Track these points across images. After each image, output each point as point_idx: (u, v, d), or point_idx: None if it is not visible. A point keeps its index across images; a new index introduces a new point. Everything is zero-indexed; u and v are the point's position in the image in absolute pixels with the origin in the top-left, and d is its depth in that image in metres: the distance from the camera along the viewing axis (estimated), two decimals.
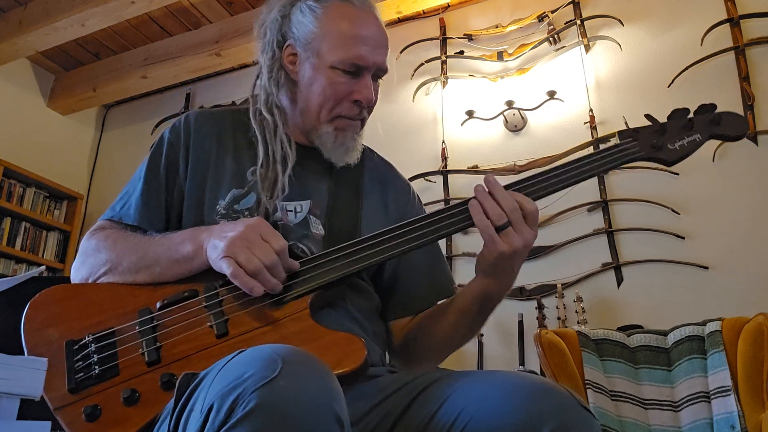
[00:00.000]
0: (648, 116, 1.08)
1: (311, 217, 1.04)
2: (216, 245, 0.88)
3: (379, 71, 1.08)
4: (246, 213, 1.00)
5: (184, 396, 0.69)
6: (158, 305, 0.90)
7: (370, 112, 1.11)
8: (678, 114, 1.06)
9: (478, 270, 0.97)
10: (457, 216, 0.94)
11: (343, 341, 0.84)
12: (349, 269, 0.92)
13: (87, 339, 0.87)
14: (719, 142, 2.72)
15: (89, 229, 1.07)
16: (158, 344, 0.86)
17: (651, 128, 1.06)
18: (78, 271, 1.00)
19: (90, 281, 0.97)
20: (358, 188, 1.12)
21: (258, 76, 1.14)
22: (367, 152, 1.20)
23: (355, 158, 1.11)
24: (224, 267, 0.86)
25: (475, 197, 0.93)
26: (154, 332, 0.87)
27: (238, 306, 0.88)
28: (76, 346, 0.86)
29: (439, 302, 1.11)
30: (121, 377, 0.83)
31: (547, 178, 0.98)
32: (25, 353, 0.86)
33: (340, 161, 1.09)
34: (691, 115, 1.05)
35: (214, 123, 1.12)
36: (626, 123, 1.09)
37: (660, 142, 1.03)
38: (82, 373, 0.83)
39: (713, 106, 1.06)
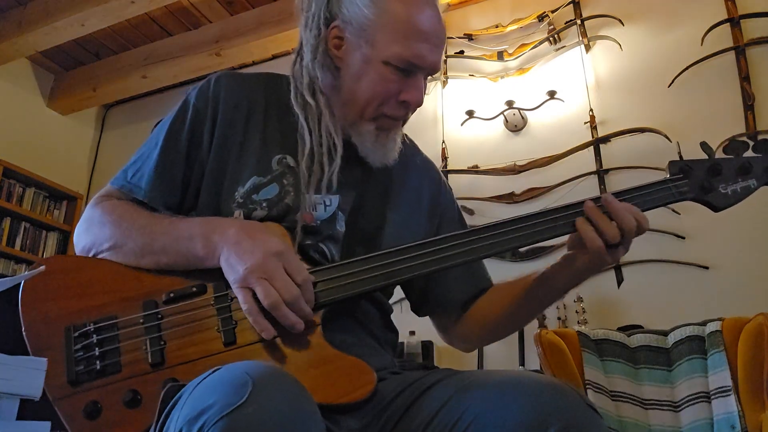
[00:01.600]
0: (704, 145, 0.98)
1: (339, 213, 0.96)
2: (232, 265, 0.81)
3: (433, 71, 0.98)
4: (264, 205, 0.92)
5: (166, 411, 0.68)
6: (164, 297, 0.85)
7: (413, 112, 1.01)
8: (735, 147, 0.97)
9: (563, 266, 0.96)
10: (511, 233, 0.91)
11: (353, 370, 0.80)
12: (370, 286, 0.86)
13: (89, 327, 0.82)
14: (719, 141, 2.72)
15: (97, 192, 1.00)
16: (163, 344, 0.82)
17: (705, 164, 0.97)
18: (80, 238, 0.94)
19: (92, 254, 0.91)
20: (387, 188, 1.03)
21: (298, 54, 1.01)
22: (408, 149, 1.11)
23: (392, 159, 1.01)
24: (240, 298, 0.81)
25: (585, 214, 0.89)
26: (159, 330, 0.83)
27: None
28: (77, 334, 0.82)
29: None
30: (122, 374, 0.80)
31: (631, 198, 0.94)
32: (22, 327, 0.82)
33: (378, 162, 1.00)
34: (749, 152, 0.97)
35: (246, 92, 1.00)
36: (680, 154, 0.99)
37: (712, 183, 0.95)
38: (82, 366, 0.80)
39: None
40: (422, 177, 1.12)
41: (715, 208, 0.97)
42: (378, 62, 0.93)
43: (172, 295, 0.85)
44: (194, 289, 0.86)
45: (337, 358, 0.81)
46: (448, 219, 1.13)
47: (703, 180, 0.95)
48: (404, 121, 1.02)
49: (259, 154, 0.96)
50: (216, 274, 0.85)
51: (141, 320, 0.83)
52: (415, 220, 1.05)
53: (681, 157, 0.98)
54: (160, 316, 0.84)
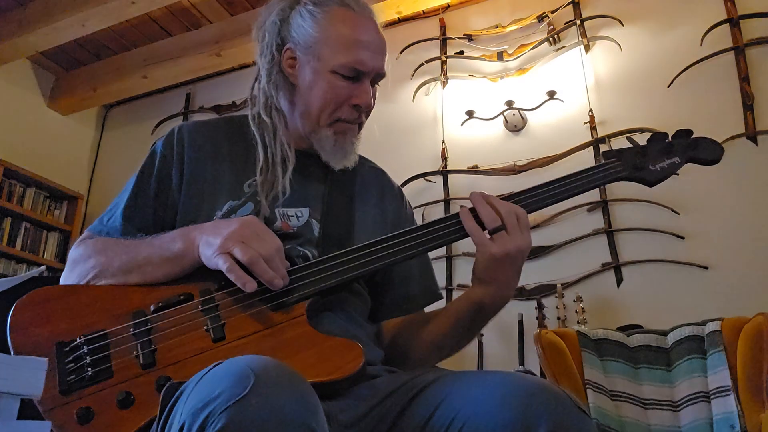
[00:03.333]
0: (629, 138, 1.14)
1: (313, 221, 1.04)
2: (210, 242, 0.88)
3: (378, 76, 1.09)
4: None
5: (168, 407, 0.69)
6: (152, 308, 0.88)
7: (367, 116, 1.12)
8: (658, 137, 1.12)
9: (473, 278, 0.97)
10: (453, 226, 0.96)
11: (341, 347, 0.84)
12: (348, 275, 0.92)
13: (79, 340, 0.84)
14: (719, 141, 2.71)
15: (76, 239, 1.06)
16: (153, 347, 0.84)
17: (633, 149, 1.10)
18: (66, 280, 0.99)
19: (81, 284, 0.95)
20: (351, 193, 1.12)
21: (256, 79, 1.14)
22: (362, 158, 1.21)
23: (353, 162, 1.12)
24: (220, 263, 0.85)
25: (467, 206, 0.95)
26: (149, 335, 0.85)
27: (234, 310, 0.87)
28: (67, 348, 0.84)
29: (427, 306, 1.13)
30: (114, 379, 0.81)
31: (537, 194, 1.01)
32: (11, 352, 0.83)
33: (338, 164, 1.09)
34: (669, 139, 1.12)
35: (208, 134, 1.11)
36: (631, 141, 1.13)
37: (642, 163, 1.08)
38: (73, 375, 0.81)
39: (689, 132, 1.13)
40: (385, 192, 1.20)
41: (649, 183, 1.08)
42: (326, 72, 1.05)
43: (160, 304, 0.89)
44: (181, 297, 0.89)
45: (324, 339, 0.85)
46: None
47: (635, 161, 1.08)
48: (360, 126, 1.12)
49: (231, 182, 1.05)
50: (201, 282, 0.90)
51: (131, 329, 0.86)
52: (380, 225, 1.12)
53: (633, 141, 1.12)
54: (149, 323, 0.87)
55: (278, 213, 1.02)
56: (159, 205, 1.04)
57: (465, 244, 3.10)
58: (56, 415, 0.78)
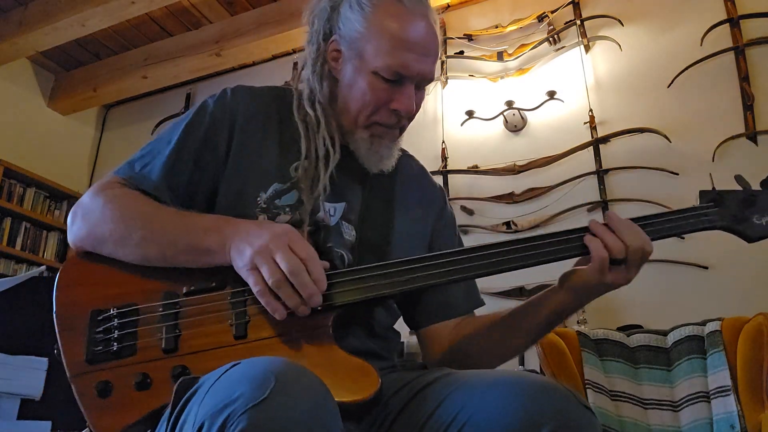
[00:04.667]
0: (739, 178, 0.97)
1: (343, 222, 1.00)
2: (242, 251, 0.82)
3: (424, 81, 1.02)
4: (287, 209, 0.95)
5: (181, 403, 0.69)
6: (184, 290, 0.88)
7: (410, 120, 1.05)
8: None
9: (565, 285, 0.94)
10: (515, 253, 0.92)
11: (357, 371, 0.81)
12: (384, 291, 0.87)
13: (112, 312, 0.86)
14: (719, 141, 2.72)
15: (98, 181, 0.98)
16: (178, 332, 0.85)
17: (738, 194, 0.95)
18: (81, 223, 0.93)
19: (91, 245, 0.92)
20: (390, 198, 1.07)
21: (303, 67, 1.07)
22: (405, 158, 1.16)
23: (389, 166, 1.06)
24: (251, 283, 0.82)
25: (592, 231, 0.90)
26: (176, 318, 0.86)
27: (262, 308, 0.84)
28: (100, 317, 0.86)
29: (469, 313, 1.09)
30: (136, 358, 0.84)
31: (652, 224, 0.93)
32: (53, 307, 0.87)
33: (374, 168, 1.04)
34: None
35: (261, 105, 1.05)
36: (712, 182, 0.97)
37: (745, 214, 0.94)
38: (101, 346, 0.84)
39: None
40: (425, 198, 1.14)
41: (749, 239, 0.95)
42: (367, 72, 0.98)
43: (192, 288, 0.88)
44: (214, 284, 0.88)
45: (343, 359, 0.82)
46: (444, 238, 1.13)
47: (736, 210, 0.94)
48: (401, 130, 1.06)
49: (278, 162, 1.00)
50: (235, 275, 0.86)
51: (160, 309, 0.87)
52: (419, 235, 1.08)
53: (713, 186, 0.96)
54: (178, 306, 0.87)
55: (321, 206, 0.98)
56: (197, 169, 0.98)
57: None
58: (78, 383, 0.82)
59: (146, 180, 0.96)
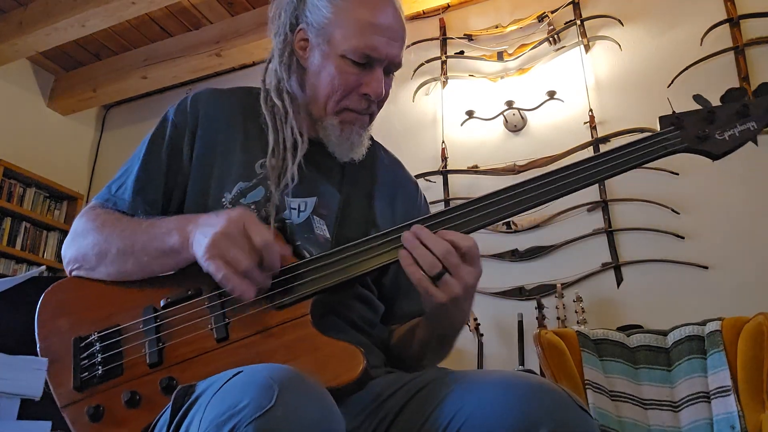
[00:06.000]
0: (697, 97, 0.94)
1: (314, 217, 0.99)
2: (200, 242, 0.83)
3: (392, 65, 1.02)
4: (252, 207, 0.95)
5: (181, 411, 0.69)
6: (162, 303, 0.88)
7: (380, 107, 1.05)
8: (732, 95, 0.93)
9: (426, 317, 0.92)
10: (466, 216, 0.88)
11: (342, 353, 0.81)
12: (354, 272, 0.87)
13: (93, 337, 0.87)
14: None
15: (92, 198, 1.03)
16: (161, 345, 0.85)
17: (698, 114, 0.92)
18: (68, 249, 0.97)
19: (79, 264, 0.94)
20: (370, 192, 1.07)
21: (270, 60, 1.08)
22: (378, 150, 1.15)
23: (360, 154, 1.05)
24: (212, 271, 0.81)
25: (403, 247, 0.84)
26: (157, 332, 0.86)
27: (239, 309, 0.86)
28: (83, 344, 0.87)
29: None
30: (124, 377, 0.84)
31: (559, 178, 0.90)
32: (37, 343, 0.88)
33: (344, 156, 1.04)
34: (748, 97, 0.93)
35: (224, 105, 1.05)
36: (671, 106, 0.95)
37: (707, 131, 0.89)
38: (86, 372, 0.84)
39: None
40: (398, 191, 1.13)
41: (714, 156, 0.91)
42: (336, 56, 0.98)
43: (169, 299, 0.88)
44: (190, 292, 0.88)
45: (326, 344, 0.82)
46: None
47: (698, 129, 0.90)
48: (371, 117, 1.05)
49: (242, 161, 0.99)
50: (210, 279, 0.85)
51: (141, 325, 0.87)
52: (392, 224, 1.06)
53: (672, 109, 0.94)
54: (158, 319, 0.87)
55: (288, 202, 0.97)
56: (169, 179, 1.00)
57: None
58: (70, 412, 0.82)
59: (121, 200, 0.98)
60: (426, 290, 0.81)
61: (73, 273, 0.96)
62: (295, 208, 0.98)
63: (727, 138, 0.90)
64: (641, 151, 0.89)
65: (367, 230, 0.99)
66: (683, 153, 0.91)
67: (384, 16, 0.99)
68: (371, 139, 1.12)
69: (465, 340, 2.86)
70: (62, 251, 0.99)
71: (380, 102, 1.04)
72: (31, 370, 0.57)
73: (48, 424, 0.62)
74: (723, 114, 0.91)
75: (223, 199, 0.96)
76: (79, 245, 0.95)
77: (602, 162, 0.89)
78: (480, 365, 2.82)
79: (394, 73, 1.06)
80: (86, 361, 0.85)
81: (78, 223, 0.98)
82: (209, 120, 1.03)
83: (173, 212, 0.99)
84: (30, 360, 0.56)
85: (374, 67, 0.99)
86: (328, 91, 1.00)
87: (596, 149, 3.01)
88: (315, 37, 1.01)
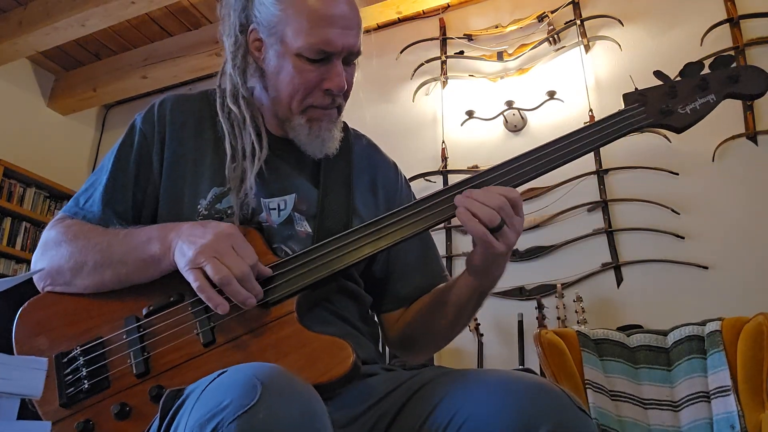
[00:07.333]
0: (658, 73, 0.97)
1: (295, 214, 0.97)
2: (184, 252, 0.82)
3: (351, 55, 0.98)
4: (229, 212, 0.94)
5: (169, 415, 0.69)
6: (144, 311, 0.87)
7: (346, 98, 1.02)
8: (691, 70, 0.95)
9: (471, 271, 0.93)
10: (445, 203, 0.89)
11: (331, 346, 0.81)
12: (337, 266, 0.87)
13: (75, 352, 0.85)
14: (719, 141, 2.72)
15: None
16: (147, 354, 0.84)
17: (660, 89, 0.95)
18: (38, 262, 0.94)
19: (51, 279, 0.92)
20: (348, 182, 1.04)
21: (225, 62, 1.04)
22: (355, 137, 1.13)
23: (333, 150, 1.03)
24: (191, 279, 0.81)
25: (457, 206, 0.86)
26: (141, 342, 0.85)
27: None
28: (65, 359, 0.84)
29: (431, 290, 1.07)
30: (111, 389, 0.82)
31: (538, 157, 0.93)
32: None
33: (318, 153, 1.01)
34: (706, 70, 0.96)
35: (192, 110, 1.03)
36: (633, 83, 0.98)
37: (670, 106, 0.93)
38: (72, 388, 0.82)
39: (729, 60, 0.96)
40: (378, 176, 1.12)
41: (677, 130, 0.94)
42: (291, 55, 0.95)
43: (151, 307, 0.87)
44: (172, 298, 0.87)
45: (314, 339, 0.82)
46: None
47: (661, 104, 0.93)
48: (339, 110, 1.02)
49: (215, 165, 0.98)
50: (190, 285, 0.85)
51: (124, 335, 0.85)
52: (375, 210, 1.06)
53: (635, 87, 0.97)
54: (141, 328, 0.86)
55: (264, 204, 0.96)
56: (138, 189, 0.98)
57: (465, 245, 3.10)
58: (59, 430, 0.80)
59: (90, 213, 0.96)
60: (489, 243, 0.84)
61: (46, 289, 0.92)
62: (274, 208, 0.97)
63: (689, 111, 0.93)
64: (608, 129, 0.92)
65: (348, 220, 0.98)
66: (648, 128, 0.94)
67: (334, 5, 0.95)
68: (345, 127, 1.10)
69: (465, 340, 2.87)
70: (32, 265, 0.95)
71: (345, 93, 1.01)
72: (31, 370, 0.56)
73: (48, 424, 0.62)
74: (684, 88, 0.94)
75: (199, 206, 0.94)
76: (51, 258, 0.92)
77: (569, 143, 0.92)
78: (480, 365, 2.82)
79: (357, 61, 1.02)
80: (71, 376, 0.83)
81: (48, 236, 0.95)
82: (177, 127, 1.01)
83: (146, 222, 0.97)
84: (30, 360, 0.56)
85: (332, 60, 0.96)
86: (289, 91, 0.97)
87: (596, 149, 3.00)
88: (267, 37, 0.97)
